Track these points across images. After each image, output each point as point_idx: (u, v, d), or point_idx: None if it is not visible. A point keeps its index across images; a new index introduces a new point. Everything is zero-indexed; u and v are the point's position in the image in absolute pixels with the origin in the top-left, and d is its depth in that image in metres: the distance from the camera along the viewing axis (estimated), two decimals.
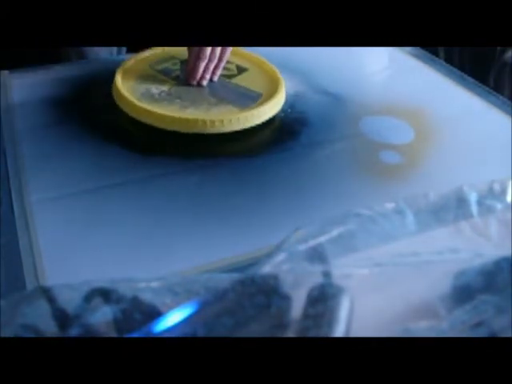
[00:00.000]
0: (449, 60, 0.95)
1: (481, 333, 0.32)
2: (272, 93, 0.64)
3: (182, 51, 0.71)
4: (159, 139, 0.59)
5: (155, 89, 0.65)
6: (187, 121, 0.58)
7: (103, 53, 0.84)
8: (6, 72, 0.70)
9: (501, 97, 0.69)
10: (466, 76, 0.74)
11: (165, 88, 0.65)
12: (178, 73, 0.69)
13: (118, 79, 0.64)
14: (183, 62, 0.70)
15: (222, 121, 0.58)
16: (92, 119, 0.62)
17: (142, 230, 0.47)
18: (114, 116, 0.62)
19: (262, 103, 0.62)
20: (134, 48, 0.75)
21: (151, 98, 0.63)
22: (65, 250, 0.45)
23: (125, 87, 0.63)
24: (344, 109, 0.66)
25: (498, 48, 0.98)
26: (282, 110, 0.64)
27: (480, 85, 0.72)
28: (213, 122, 0.58)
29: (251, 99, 0.64)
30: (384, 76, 0.76)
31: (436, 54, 0.90)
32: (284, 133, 0.61)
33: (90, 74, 0.71)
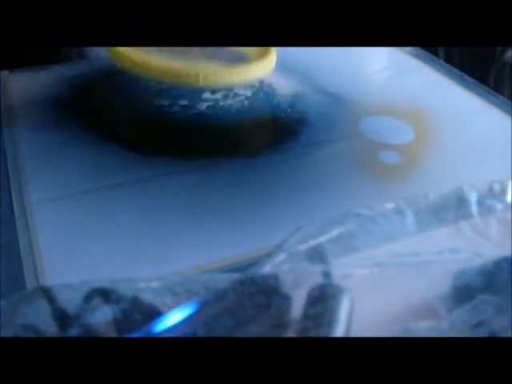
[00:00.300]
0: (449, 60, 0.95)
1: (481, 333, 0.32)
2: (263, 55, 0.64)
3: None
4: (159, 139, 0.59)
5: None
6: (171, 70, 0.59)
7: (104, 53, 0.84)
8: (6, 72, 0.70)
9: (501, 97, 0.69)
10: (465, 76, 0.74)
11: None
12: None
13: None
14: None
15: (207, 74, 0.59)
16: (92, 119, 0.62)
17: (141, 229, 0.47)
18: (114, 116, 0.62)
19: (251, 62, 0.63)
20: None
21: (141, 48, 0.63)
22: (65, 250, 0.45)
23: None
24: (344, 109, 0.66)
25: (498, 48, 0.98)
26: (282, 110, 0.64)
27: (480, 85, 0.72)
28: (197, 74, 0.58)
29: (241, 59, 0.64)
30: (384, 76, 0.76)
31: (436, 54, 0.90)
32: (284, 133, 0.62)
33: (90, 74, 0.71)
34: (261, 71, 0.63)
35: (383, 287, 0.35)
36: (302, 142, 0.60)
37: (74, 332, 0.31)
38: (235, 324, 0.32)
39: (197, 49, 0.65)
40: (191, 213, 0.50)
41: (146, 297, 0.34)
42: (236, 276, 0.34)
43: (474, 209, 0.41)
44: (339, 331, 0.32)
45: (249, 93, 0.67)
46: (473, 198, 0.42)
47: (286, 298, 0.34)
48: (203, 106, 0.64)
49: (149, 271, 0.42)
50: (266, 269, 0.35)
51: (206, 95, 0.66)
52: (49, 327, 0.32)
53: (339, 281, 0.35)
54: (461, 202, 0.42)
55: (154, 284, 0.34)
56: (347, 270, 0.36)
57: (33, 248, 0.44)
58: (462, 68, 0.80)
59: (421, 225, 0.40)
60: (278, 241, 0.37)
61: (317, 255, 0.36)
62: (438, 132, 0.62)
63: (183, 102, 0.65)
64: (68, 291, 0.33)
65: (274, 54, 0.65)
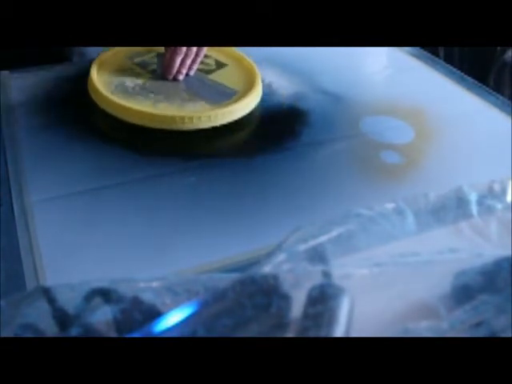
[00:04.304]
0: (449, 60, 0.95)
1: (481, 333, 0.32)
2: (247, 90, 0.63)
3: None
4: (159, 139, 0.59)
5: (130, 82, 0.64)
6: (155, 116, 0.58)
7: None
8: (6, 72, 0.70)
9: (501, 97, 0.69)
10: (465, 76, 0.74)
11: (140, 81, 0.64)
12: (155, 66, 0.68)
13: (94, 71, 0.64)
14: (160, 56, 0.69)
15: (191, 118, 0.58)
16: (92, 119, 0.62)
17: (141, 230, 0.47)
18: (114, 116, 0.61)
19: (235, 101, 0.62)
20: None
21: (125, 91, 0.62)
22: (65, 250, 0.45)
23: (99, 79, 0.63)
24: (344, 109, 0.66)
25: (498, 48, 0.98)
26: (282, 110, 0.64)
27: (480, 85, 0.72)
28: (182, 118, 0.58)
29: (226, 96, 0.63)
30: (384, 76, 0.76)
31: (436, 54, 0.90)
32: (284, 133, 0.62)
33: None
34: (246, 108, 0.62)
35: (383, 287, 0.35)
36: (303, 142, 0.60)
37: (74, 332, 0.31)
38: (235, 324, 0.32)
39: (181, 88, 0.64)
40: (191, 213, 0.50)
41: (146, 297, 0.34)
42: (236, 276, 0.34)
43: (474, 209, 0.41)
44: (339, 331, 0.32)
45: None
46: (473, 197, 0.42)
47: (285, 298, 0.34)
48: None
49: (149, 271, 0.42)
50: (266, 269, 0.35)
51: None
52: (49, 327, 0.32)
53: (339, 281, 0.35)
54: (461, 202, 0.42)
55: (154, 284, 0.34)
56: (347, 269, 0.36)
57: (33, 248, 0.44)
58: (461, 68, 0.80)
59: (421, 225, 0.40)
60: (278, 241, 0.37)
61: (317, 255, 0.36)
62: (438, 132, 0.62)
63: None
64: (68, 291, 0.33)
65: (259, 86, 0.64)
